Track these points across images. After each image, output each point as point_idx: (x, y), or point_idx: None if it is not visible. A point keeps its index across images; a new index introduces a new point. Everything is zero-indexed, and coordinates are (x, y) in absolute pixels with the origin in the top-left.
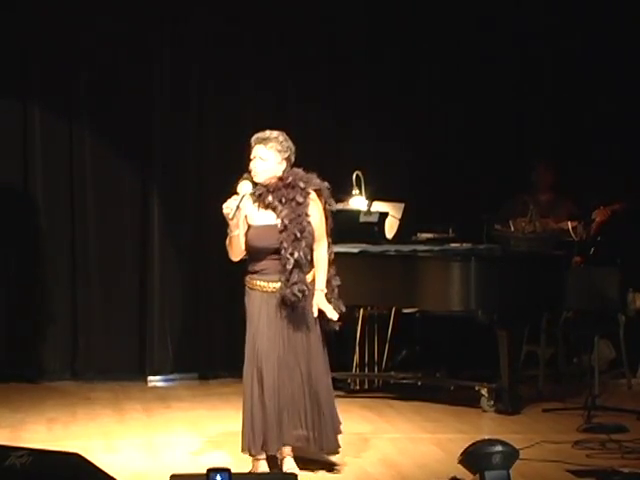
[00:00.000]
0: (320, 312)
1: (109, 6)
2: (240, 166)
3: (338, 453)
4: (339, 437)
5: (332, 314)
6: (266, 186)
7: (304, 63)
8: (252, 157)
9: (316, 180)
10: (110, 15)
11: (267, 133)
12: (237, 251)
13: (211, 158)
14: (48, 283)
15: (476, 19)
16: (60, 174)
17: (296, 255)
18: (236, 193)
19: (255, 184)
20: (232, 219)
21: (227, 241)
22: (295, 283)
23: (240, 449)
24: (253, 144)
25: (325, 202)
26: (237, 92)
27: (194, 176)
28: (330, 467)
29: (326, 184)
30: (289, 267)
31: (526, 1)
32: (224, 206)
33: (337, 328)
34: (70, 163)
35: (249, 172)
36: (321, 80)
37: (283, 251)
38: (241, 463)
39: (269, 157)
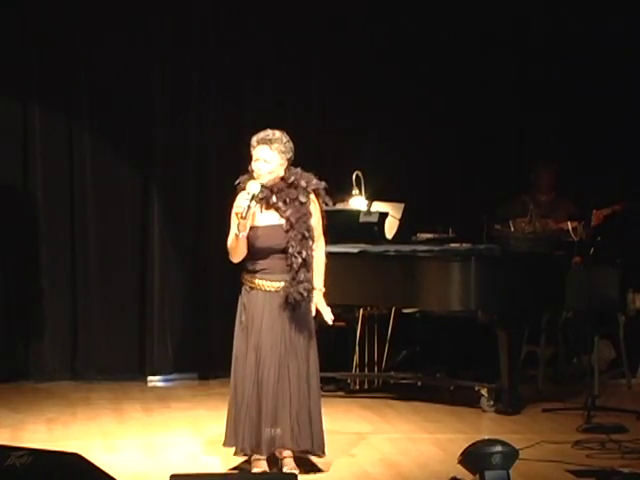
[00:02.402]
0: (316, 312)
1: (109, 6)
2: (240, 166)
3: (325, 454)
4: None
5: (328, 316)
6: (270, 187)
7: (304, 63)
8: (255, 159)
9: (315, 180)
10: (110, 15)
11: (270, 133)
12: (241, 252)
13: (211, 158)
14: (48, 283)
15: (477, 19)
16: (60, 174)
17: (304, 254)
18: (235, 192)
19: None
20: (245, 218)
21: (231, 242)
22: (301, 282)
23: (233, 452)
24: (256, 144)
25: (322, 202)
26: (237, 92)
27: (194, 176)
28: (330, 467)
29: (324, 184)
30: (296, 266)
31: (527, 2)
32: (235, 206)
33: (329, 324)
34: (70, 163)
35: (249, 172)
36: (321, 80)
37: (291, 250)
38: (240, 463)
39: (273, 159)
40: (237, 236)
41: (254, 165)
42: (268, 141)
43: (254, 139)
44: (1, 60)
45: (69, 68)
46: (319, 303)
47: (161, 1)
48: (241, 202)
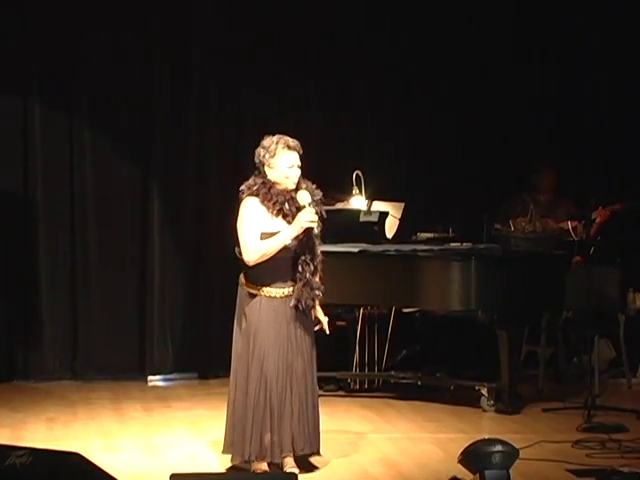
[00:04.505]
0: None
1: (109, 6)
2: (240, 166)
3: (321, 455)
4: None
5: (326, 327)
6: (283, 194)
7: (304, 63)
8: (291, 165)
9: (317, 189)
10: (110, 14)
11: (291, 139)
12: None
13: (211, 158)
14: (48, 283)
15: (476, 19)
16: (60, 173)
17: (315, 261)
18: (237, 198)
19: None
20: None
21: (269, 249)
22: (314, 288)
23: (231, 459)
24: (287, 150)
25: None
26: (237, 92)
27: (194, 176)
28: (330, 467)
29: (321, 194)
30: (309, 273)
31: (527, 1)
32: (307, 220)
33: (327, 333)
34: (70, 163)
35: (265, 180)
36: (321, 80)
37: (303, 257)
38: (240, 462)
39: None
40: (286, 246)
41: (290, 171)
42: (297, 148)
43: (282, 144)
44: (1, 60)
45: (69, 67)
46: (318, 312)
47: (162, 1)
48: (310, 216)
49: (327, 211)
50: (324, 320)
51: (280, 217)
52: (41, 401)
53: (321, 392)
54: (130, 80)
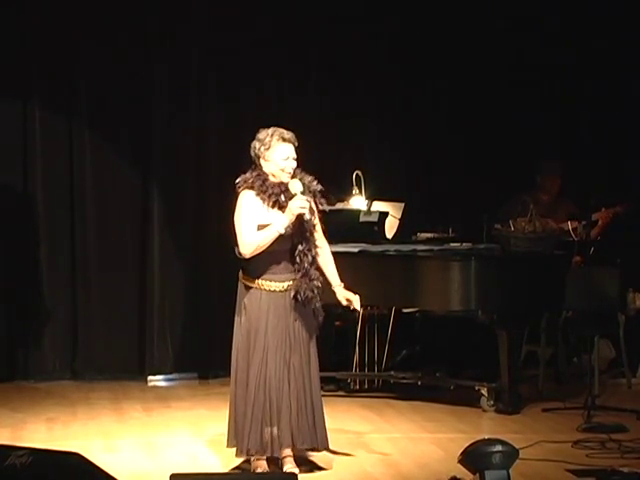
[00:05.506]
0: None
1: (109, 6)
2: (240, 166)
3: (329, 449)
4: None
5: (357, 304)
6: (278, 185)
7: (304, 63)
8: (287, 157)
9: (315, 181)
10: (110, 15)
11: (287, 131)
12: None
13: (211, 158)
14: (48, 283)
15: (477, 19)
16: (60, 174)
17: (313, 252)
18: (235, 192)
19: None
20: (308, 217)
21: (263, 240)
22: (312, 279)
23: (235, 453)
24: (282, 142)
25: (318, 203)
26: (237, 92)
27: (194, 176)
28: (330, 467)
29: (320, 186)
30: (307, 264)
31: (526, 2)
32: (299, 207)
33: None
34: (70, 163)
35: (261, 173)
36: (321, 80)
37: (300, 247)
38: (240, 462)
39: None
40: (281, 235)
41: (286, 163)
42: (293, 140)
43: (277, 136)
44: (1, 60)
45: (69, 67)
46: (347, 294)
47: (161, 1)
48: (303, 203)
49: (327, 211)
50: (355, 298)
51: (276, 209)
52: (41, 401)
53: (321, 392)
54: (130, 80)
